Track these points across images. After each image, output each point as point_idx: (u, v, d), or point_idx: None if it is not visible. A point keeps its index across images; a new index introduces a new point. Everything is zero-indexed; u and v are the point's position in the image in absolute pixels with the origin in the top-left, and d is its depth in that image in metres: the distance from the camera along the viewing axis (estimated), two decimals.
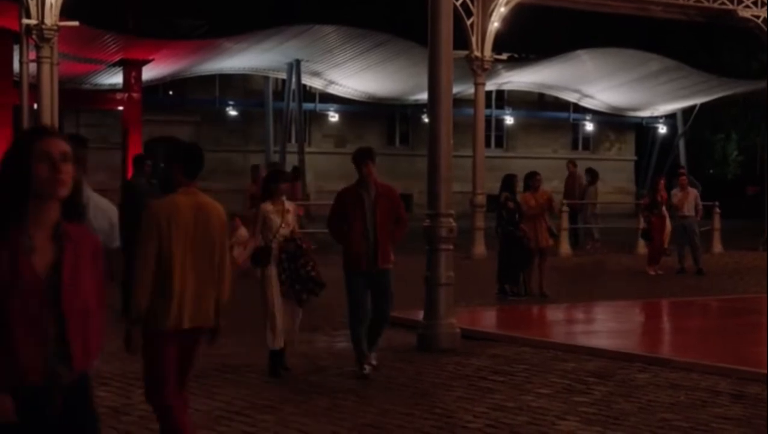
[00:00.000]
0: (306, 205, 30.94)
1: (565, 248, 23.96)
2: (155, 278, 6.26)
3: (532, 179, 16.81)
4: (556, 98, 46.87)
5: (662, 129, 50.59)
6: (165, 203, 6.48)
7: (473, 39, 23.86)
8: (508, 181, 16.81)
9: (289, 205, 10.13)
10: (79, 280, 3.84)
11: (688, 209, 20.88)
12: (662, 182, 21.36)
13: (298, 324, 10.19)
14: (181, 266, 6.28)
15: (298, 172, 29.91)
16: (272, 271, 9.83)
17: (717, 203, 25.57)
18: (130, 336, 6.34)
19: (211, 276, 6.38)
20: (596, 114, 48.34)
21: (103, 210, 7.23)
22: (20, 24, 19.97)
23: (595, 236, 25.90)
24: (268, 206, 9.94)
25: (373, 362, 10.05)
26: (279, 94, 41.95)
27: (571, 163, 26.21)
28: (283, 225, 9.87)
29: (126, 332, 6.35)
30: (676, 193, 21.15)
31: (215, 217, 6.45)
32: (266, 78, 42.03)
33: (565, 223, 24.03)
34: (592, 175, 26.47)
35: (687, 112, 49.03)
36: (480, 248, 22.81)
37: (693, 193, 21.19)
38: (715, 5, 26.58)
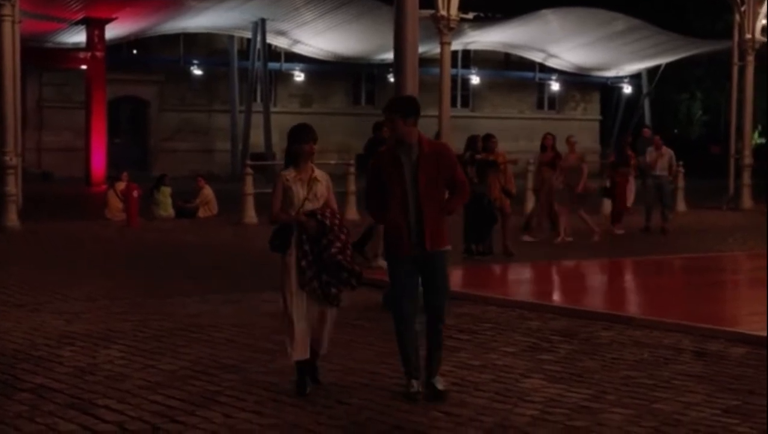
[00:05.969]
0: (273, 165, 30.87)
1: (529, 208, 24.03)
2: None
3: (488, 141, 17.14)
4: (522, 58, 46.90)
5: (627, 89, 50.77)
6: None
7: None
8: (470, 143, 17.22)
9: (319, 174, 7.92)
10: None
11: (661, 168, 20.94)
12: (629, 139, 21.37)
13: (329, 329, 7.94)
14: None
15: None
16: (291, 258, 7.76)
17: (681, 163, 25.74)
18: None
19: None
20: (562, 74, 48.46)
21: None
22: None
23: None
24: (289, 174, 7.85)
25: (439, 386, 7.73)
26: (244, 54, 41.74)
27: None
28: (309, 197, 7.82)
29: None
30: (650, 152, 21.15)
31: None
32: (231, 37, 41.79)
33: (529, 183, 24.06)
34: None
35: (652, 72, 49.27)
36: None
37: (668, 153, 21.17)
38: None
